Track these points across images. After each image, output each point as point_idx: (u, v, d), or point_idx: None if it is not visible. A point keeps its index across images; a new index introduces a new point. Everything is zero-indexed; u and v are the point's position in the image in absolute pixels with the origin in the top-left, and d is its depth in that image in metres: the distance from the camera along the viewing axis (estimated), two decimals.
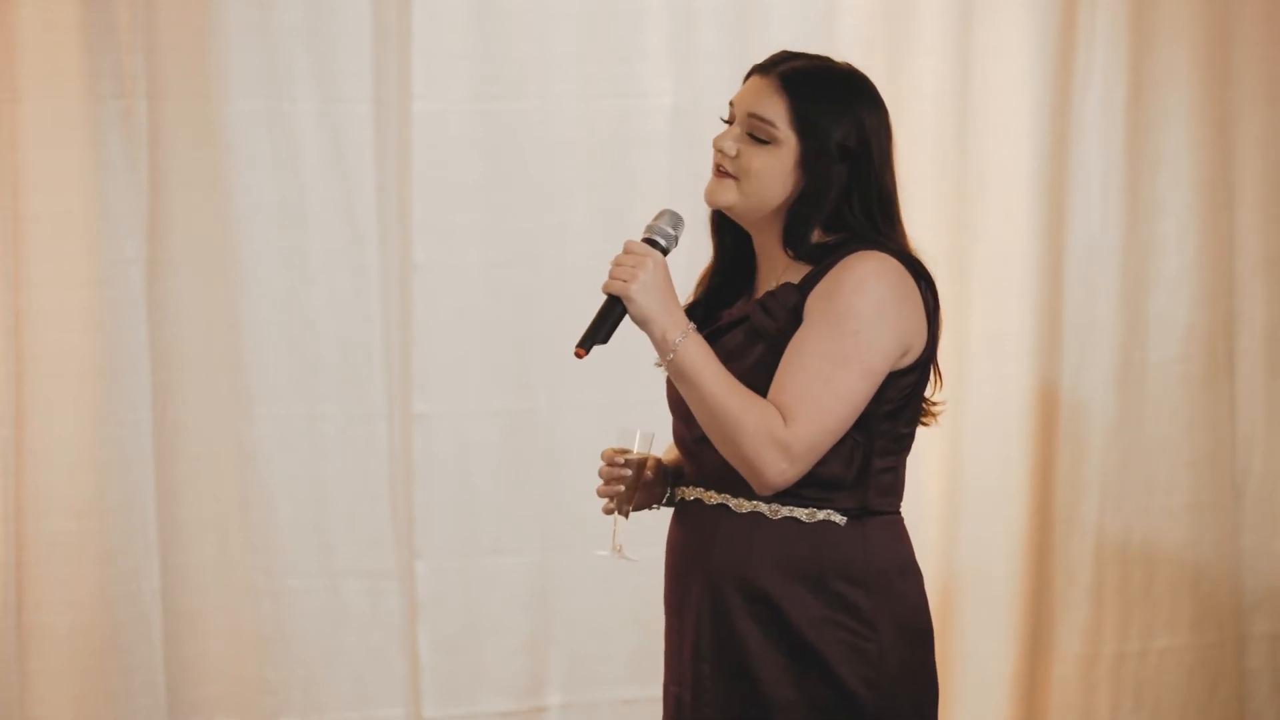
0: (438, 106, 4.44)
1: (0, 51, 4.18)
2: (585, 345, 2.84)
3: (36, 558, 4.26)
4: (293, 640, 4.43)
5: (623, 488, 2.97)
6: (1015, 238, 4.73)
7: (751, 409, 2.81)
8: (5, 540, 4.21)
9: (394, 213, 4.45)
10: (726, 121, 2.98)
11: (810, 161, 2.90)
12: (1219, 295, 4.87)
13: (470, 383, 4.50)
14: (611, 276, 2.85)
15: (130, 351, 4.30)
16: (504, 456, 4.53)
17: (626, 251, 2.86)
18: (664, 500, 3.06)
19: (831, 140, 2.90)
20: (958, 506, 4.74)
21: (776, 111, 2.91)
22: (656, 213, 2.94)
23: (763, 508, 2.90)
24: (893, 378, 2.88)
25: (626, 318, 2.85)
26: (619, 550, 2.98)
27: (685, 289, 2.99)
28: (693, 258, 3.15)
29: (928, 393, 2.98)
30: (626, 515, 2.98)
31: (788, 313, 2.88)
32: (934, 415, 3.01)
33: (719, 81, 4.40)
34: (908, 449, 2.97)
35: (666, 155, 4.55)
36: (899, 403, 2.91)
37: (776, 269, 2.97)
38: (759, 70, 2.97)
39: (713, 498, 2.95)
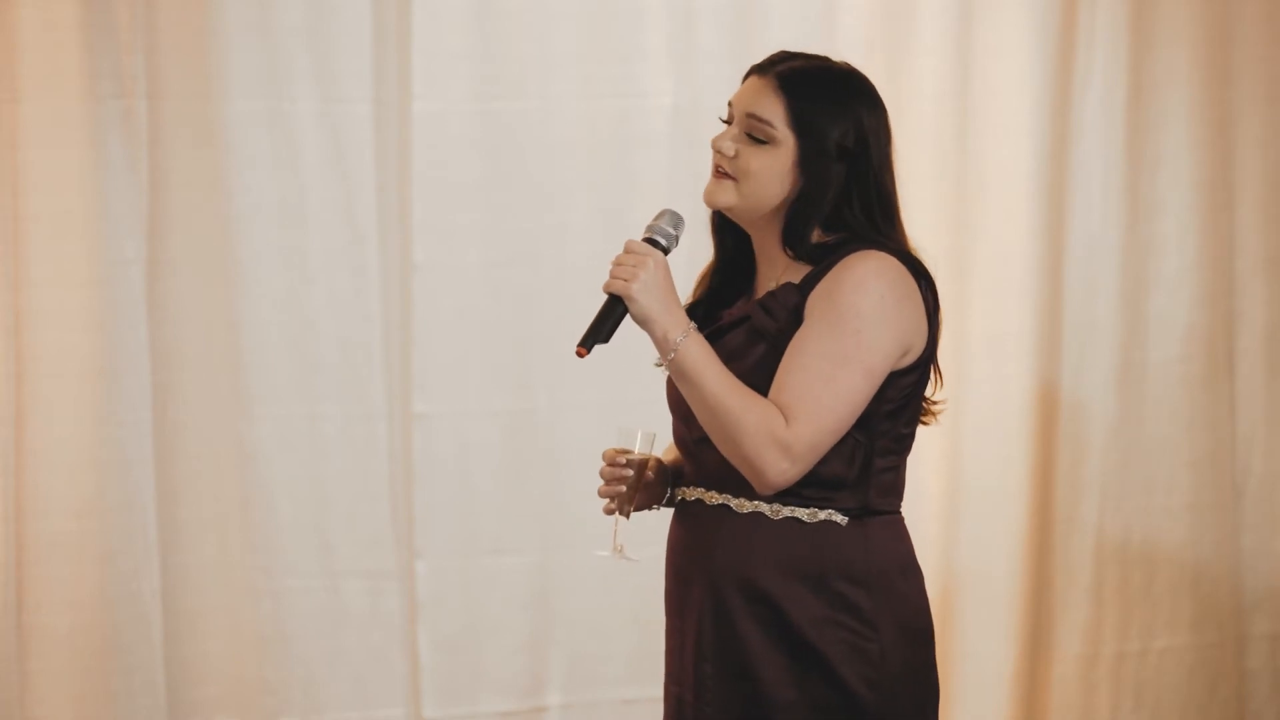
0: (438, 106, 4.44)
1: (0, 51, 4.18)
2: (586, 345, 2.84)
3: (36, 558, 4.26)
4: (293, 640, 4.43)
5: (624, 488, 2.96)
6: (1015, 238, 4.73)
7: (753, 408, 2.81)
8: (5, 540, 4.21)
9: (394, 213, 4.44)
10: (725, 122, 2.98)
11: (809, 161, 2.90)
12: (1219, 295, 4.87)
13: (470, 383, 4.50)
14: (612, 276, 2.85)
15: (130, 351, 4.30)
16: (504, 456, 4.53)
17: (627, 251, 2.86)
18: (665, 500, 3.05)
19: (830, 140, 2.90)
20: (958, 506, 4.74)
21: (774, 112, 2.91)
22: (657, 212, 2.93)
23: (764, 508, 2.89)
24: (893, 377, 2.88)
25: (627, 317, 2.85)
26: (620, 550, 2.97)
27: (685, 289, 2.99)
28: (693, 258, 3.15)
29: (928, 392, 2.98)
30: (628, 515, 2.98)
31: (788, 313, 2.88)
32: (934, 415, 3.01)
33: (719, 81, 4.39)
34: (908, 448, 2.97)
35: (666, 155, 4.55)
36: (900, 402, 2.91)
37: (776, 269, 2.96)
38: (757, 70, 2.97)
39: (714, 498, 2.95)
